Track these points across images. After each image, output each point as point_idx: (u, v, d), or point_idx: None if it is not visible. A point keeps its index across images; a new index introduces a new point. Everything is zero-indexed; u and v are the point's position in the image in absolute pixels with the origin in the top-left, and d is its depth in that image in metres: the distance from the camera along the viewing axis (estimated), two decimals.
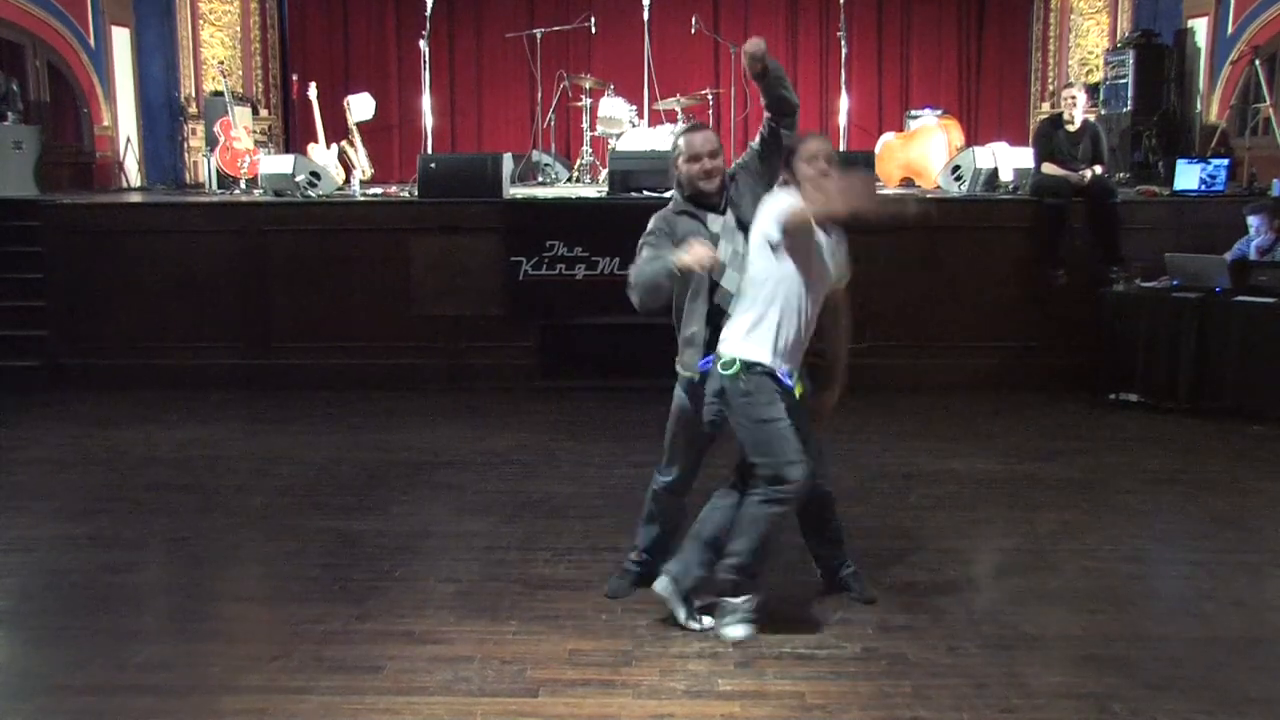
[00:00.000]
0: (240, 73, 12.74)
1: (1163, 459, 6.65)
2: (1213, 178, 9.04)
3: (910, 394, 8.25)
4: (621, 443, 6.85)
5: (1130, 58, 11.27)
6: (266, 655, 4.05)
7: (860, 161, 8.86)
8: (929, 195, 9.88)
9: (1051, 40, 13.06)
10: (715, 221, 4.26)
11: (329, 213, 8.99)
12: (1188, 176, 9.16)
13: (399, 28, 13.47)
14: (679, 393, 4.37)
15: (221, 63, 12.36)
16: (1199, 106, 11.29)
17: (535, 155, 11.76)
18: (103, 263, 8.73)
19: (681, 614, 4.22)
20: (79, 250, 8.76)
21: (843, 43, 11.21)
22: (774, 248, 4.01)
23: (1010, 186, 9.36)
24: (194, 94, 12.57)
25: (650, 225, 4.32)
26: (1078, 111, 8.57)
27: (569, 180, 11.48)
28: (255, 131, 11.87)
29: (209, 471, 6.46)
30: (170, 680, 3.88)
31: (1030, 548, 5.18)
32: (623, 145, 10.62)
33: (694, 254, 3.93)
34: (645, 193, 8.78)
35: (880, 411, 7.80)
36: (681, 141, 4.29)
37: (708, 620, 4.20)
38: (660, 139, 10.67)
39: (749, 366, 4.05)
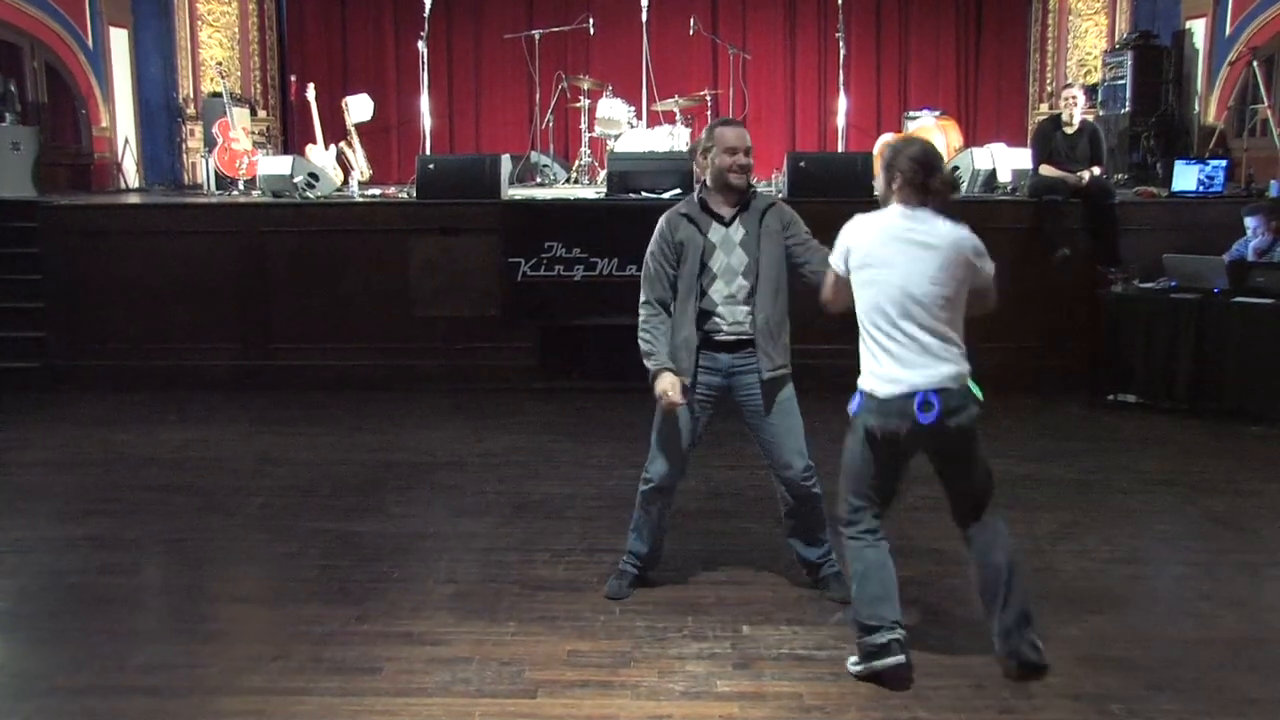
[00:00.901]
0: (238, 74, 12.74)
1: (1161, 460, 6.66)
2: (1211, 179, 9.05)
3: None
4: (620, 444, 6.84)
5: (1128, 59, 11.28)
6: (265, 656, 4.05)
7: (857, 163, 8.86)
8: None
9: (1050, 41, 13.08)
10: (716, 232, 4.36)
11: (327, 214, 8.98)
12: (1186, 177, 9.17)
13: (397, 29, 13.48)
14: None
15: (220, 64, 12.36)
16: (1197, 107, 11.30)
17: (534, 156, 11.76)
18: (101, 264, 8.73)
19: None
20: (77, 251, 8.76)
21: (841, 43, 11.19)
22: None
23: (1008, 187, 9.37)
24: (192, 95, 12.56)
25: (656, 232, 4.41)
26: (1077, 112, 8.58)
27: (567, 181, 11.48)
28: (253, 132, 11.88)
29: (208, 472, 6.46)
30: (169, 681, 3.88)
31: (1028, 548, 5.16)
32: (621, 146, 10.64)
33: (665, 401, 4.27)
34: (643, 194, 8.78)
35: None
36: (716, 133, 4.34)
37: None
38: (659, 140, 10.68)
39: None
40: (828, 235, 9.07)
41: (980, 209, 8.94)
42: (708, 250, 4.31)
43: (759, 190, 4.55)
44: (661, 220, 4.41)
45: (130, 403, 8.13)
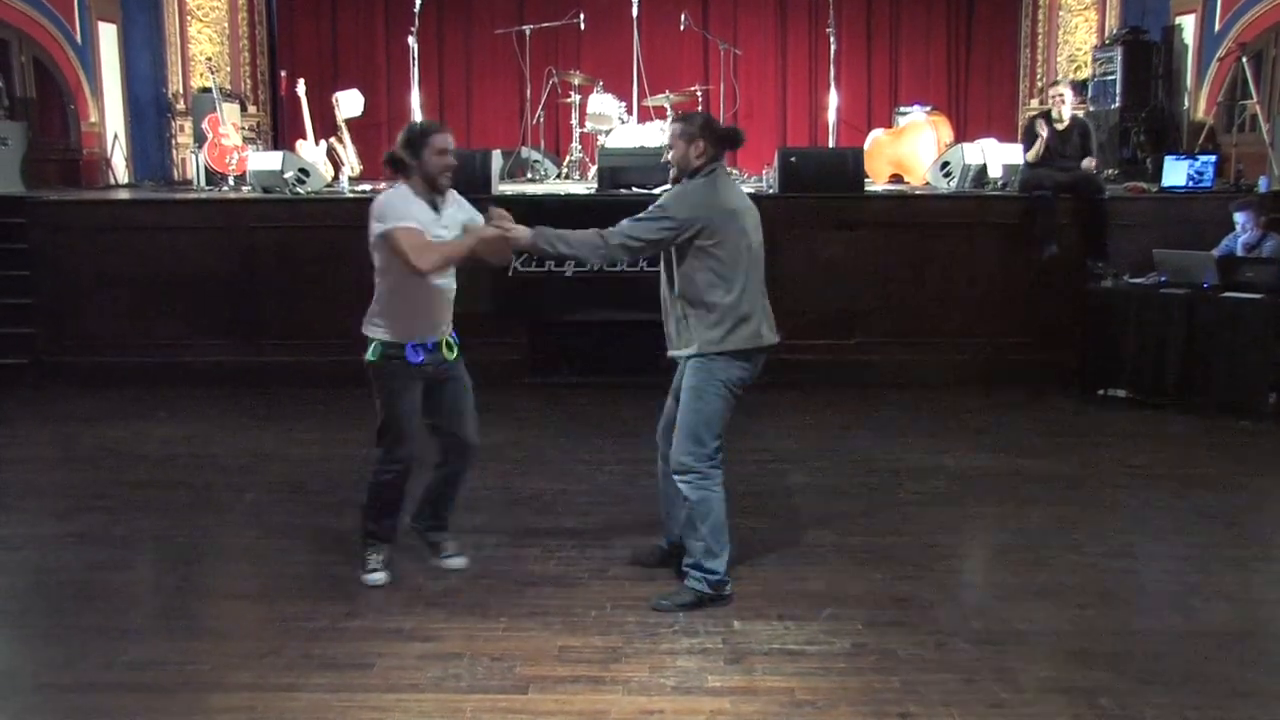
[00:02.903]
0: (228, 69, 12.68)
1: (1151, 454, 6.68)
2: (1200, 174, 9.07)
3: (899, 390, 8.26)
4: (611, 440, 6.85)
5: (1118, 54, 11.30)
6: (256, 653, 4.05)
7: (848, 158, 8.86)
8: (918, 191, 9.91)
9: (1040, 37, 13.08)
10: None
11: (317, 209, 8.95)
12: (1175, 173, 9.19)
13: (388, 24, 13.42)
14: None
15: (209, 59, 12.31)
16: (1186, 103, 11.33)
17: (524, 152, 11.73)
18: (90, 260, 8.69)
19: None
20: (66, 247, 8.72)
21: (832, 39, 11.22)
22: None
23: (999, 183, 9.38)
24: (182, 90, 12.52)
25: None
26: (1066, 109, 8.60)
27: (558, 177, 11.46)
28: (243, 128, 11.84)
29: (197, 469, 6.45)
30: (159, 678, 3.87)
31: (1019, 543, 5.20)
32: (612, 142, 10.61)
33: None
34: (634, 189, 8.77)
35: (870, 407, 7.82)
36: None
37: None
38: (649, 136, 10.66)
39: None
40: (821, 230, 9.07)
41: (971, 204, 8.98)
42: None
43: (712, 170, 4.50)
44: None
45: (120, 399, 8.10)
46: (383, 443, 4.61)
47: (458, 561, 4.85)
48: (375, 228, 4.43)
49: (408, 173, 4.49)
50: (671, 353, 4.50)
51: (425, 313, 4.61)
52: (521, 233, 4.51)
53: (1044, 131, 8.47)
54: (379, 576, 4.68)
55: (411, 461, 4.64)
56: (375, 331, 4.57)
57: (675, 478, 4.44)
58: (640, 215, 4.39)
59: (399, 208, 4.42)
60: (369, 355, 4.58)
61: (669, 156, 4.51)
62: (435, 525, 4.90)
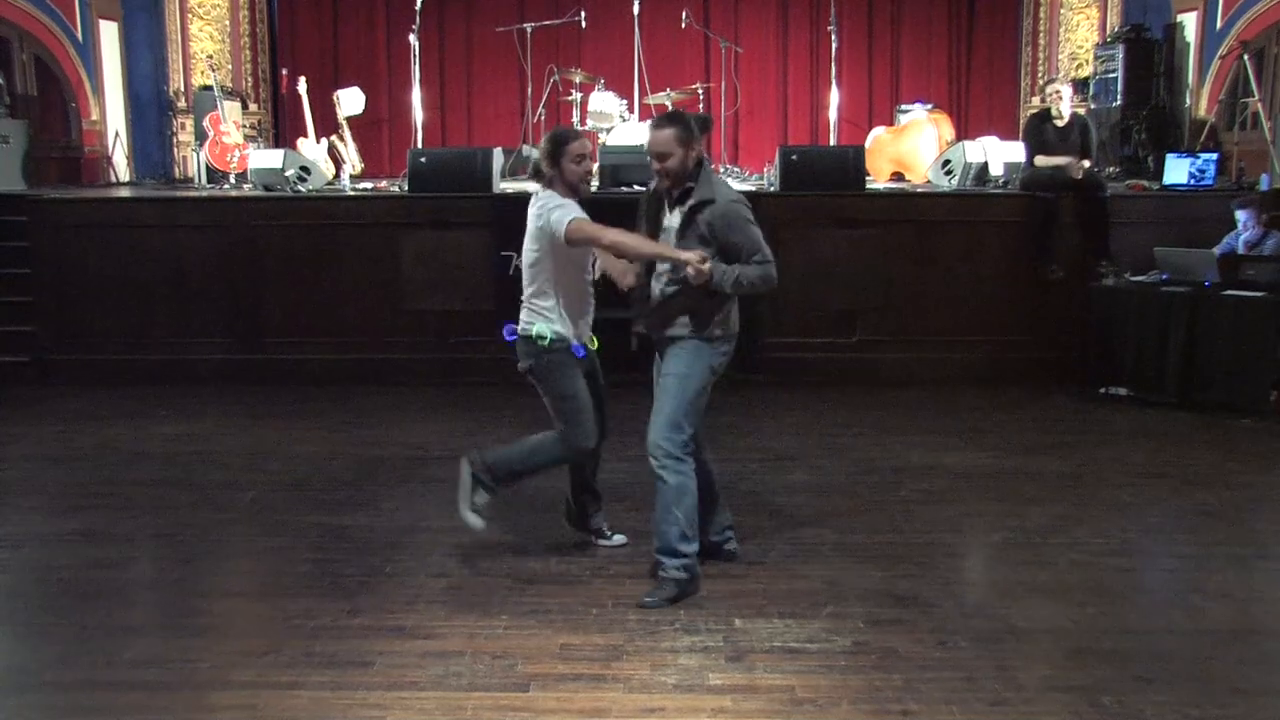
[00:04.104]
0: (229, 67, 12.69)
1: (1152, 452, 6.68)
2: (1202, 172, 9.07)
3: (900, 388, 8.26)
4: (611, 438, 6.82)
5: (1120, 52, 11.29)
6: (257, 650, 4.05)
7: (849, 156, 8.85)
8: (919, 189, 9.90)
9: (1041, 35, 13.08)
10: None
11: (319, 207, 8.96)
12: (1177, 171, 9.18)
13: (389, 21, 13.43)
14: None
15: (210, 57, 12.32)
16: (1188, 101, 11.32)
17: (525, 150, 11.71)
18: (91, 258, 8.69)
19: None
20: (67, 245, 8.73)
21: (833, 37, 11.22)
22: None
23: (1000, 181, 9.37)
24: (183, 88, 12.53)
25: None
26: (1064, 106, 8.59)
27: None
28: (245, 126, 11.84)
29: (199, 467, 6.45)
30: (160, 676, 3.88)
31: (1020, 541, 5.20)
32: (613, 140, 10.61)
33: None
34: (636, 187, 8.76)
35: (870, 405, 7.82)
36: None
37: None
38: None
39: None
40: (822, 228, 9.05)
41: (972, 202, 8.97)
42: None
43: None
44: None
45: (120, 397, 8.11)
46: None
47: (621, 538, 5.05)
48: None
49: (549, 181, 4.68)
50: (668, 333, 4.54)
51: None
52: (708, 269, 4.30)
53: (1064, 164, 8.42)
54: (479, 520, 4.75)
55: None
56: None
57: (652, 462, 4.46)
58: (749, 252, 4.35)
59: None
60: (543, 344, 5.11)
61: (668, 164, 4.35)
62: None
